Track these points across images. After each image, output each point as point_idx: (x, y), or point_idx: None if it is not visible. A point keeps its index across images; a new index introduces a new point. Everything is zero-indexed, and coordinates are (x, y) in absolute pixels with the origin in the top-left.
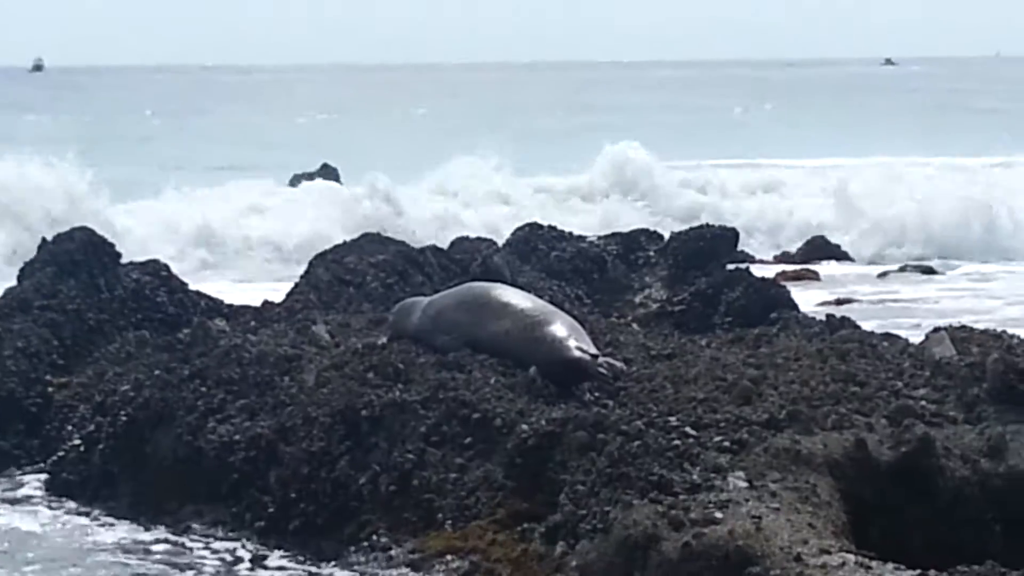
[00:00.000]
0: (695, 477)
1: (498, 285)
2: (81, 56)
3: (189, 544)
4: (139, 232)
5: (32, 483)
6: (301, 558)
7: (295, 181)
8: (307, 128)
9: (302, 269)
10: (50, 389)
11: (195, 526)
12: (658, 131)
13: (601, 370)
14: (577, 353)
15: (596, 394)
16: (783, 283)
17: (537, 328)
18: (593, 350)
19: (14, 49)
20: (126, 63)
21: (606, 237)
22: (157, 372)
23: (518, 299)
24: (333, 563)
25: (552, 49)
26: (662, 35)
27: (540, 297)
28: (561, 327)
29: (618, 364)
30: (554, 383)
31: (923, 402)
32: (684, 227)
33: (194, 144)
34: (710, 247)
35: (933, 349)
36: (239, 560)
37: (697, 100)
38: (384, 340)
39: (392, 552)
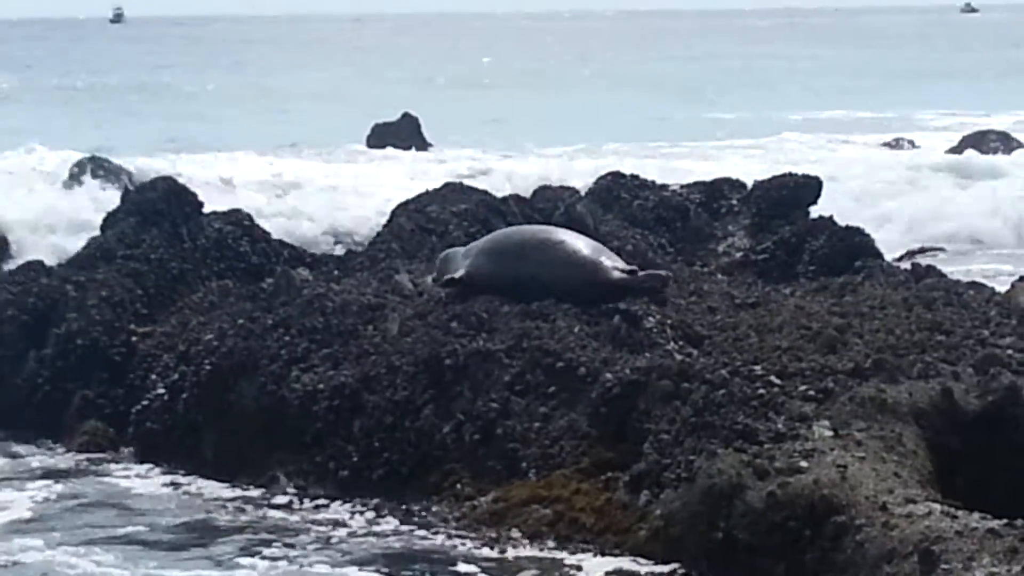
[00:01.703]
0: (780, 426)
1: (521, 227)
2: (158, 5)
3: (273, 493)
4: None
5: (117, 432)
6: (385, 507)
7: (376, 130)
8: (385, 81)
9: None
10: (134, 338)
11: (279, 475)
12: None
13: (645, 284)
14: (617, 274)
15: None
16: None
17: (567, 256)
18: (628, 267)
19: None
20: (201, 12)
21: (689, 186)
22: (241, 321)
23: (543, 233)
24: (417, 512)
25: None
26: None
27: (623, 247)
28: (589, 250)
29: (662, 272)
30: (596, 303)
31: (1009, 351)
32: None
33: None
34: (793, 195)
35: (1019, 298)
36: (322, 509)
37: (790, 49)
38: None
39: (476, 501)
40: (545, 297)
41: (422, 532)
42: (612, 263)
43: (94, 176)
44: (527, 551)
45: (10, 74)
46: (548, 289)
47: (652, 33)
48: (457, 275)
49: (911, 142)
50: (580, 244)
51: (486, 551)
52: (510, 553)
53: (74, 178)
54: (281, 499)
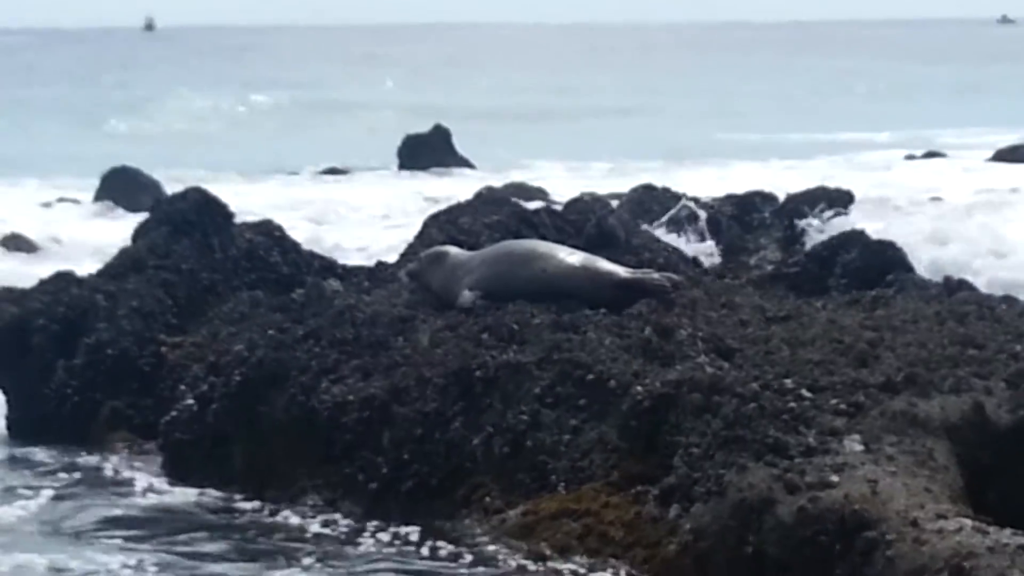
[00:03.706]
0: (811, 440)
1: (518, 240)
2: (189, 15)
3: (302, 505)
4: None
5: (145, 442)
6: (413, 519)
7: (408, 141)
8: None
9: None
10: (163, 349)
11: (308, 486)
12: None
13: (656, 283)
14: (626, 274)
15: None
16: None
17: (575, 259)
18: (636, 269)
19: (122, 8)
20: (231, 22)
21: (721, 199)
22: (271, 332)
23: (546, 245)
24: (446, 524)
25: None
26: None
27: (655, 259)
28: (596, 258)
29: (675, 277)
30: (609, 308)
31: None
32: None
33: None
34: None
35: None
36: (350, 520)
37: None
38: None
39: (505, 514)
40: (551, 300)
41: (450, 545)
42: (623, 267)
43: None
44: (556, 564)
45: None
46: (556, 292)
47: (683, 46)
48: (467, 298)
49: (943, 155)
50: (587, 255)
51: (514, 564)
52: (539, 566)
53: None
54: (309, 511)
